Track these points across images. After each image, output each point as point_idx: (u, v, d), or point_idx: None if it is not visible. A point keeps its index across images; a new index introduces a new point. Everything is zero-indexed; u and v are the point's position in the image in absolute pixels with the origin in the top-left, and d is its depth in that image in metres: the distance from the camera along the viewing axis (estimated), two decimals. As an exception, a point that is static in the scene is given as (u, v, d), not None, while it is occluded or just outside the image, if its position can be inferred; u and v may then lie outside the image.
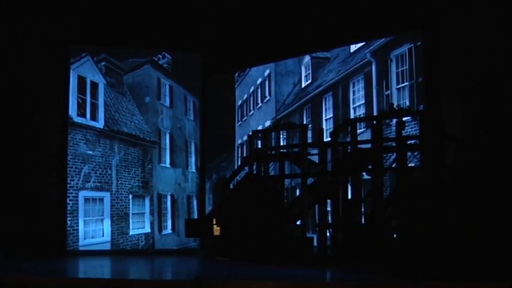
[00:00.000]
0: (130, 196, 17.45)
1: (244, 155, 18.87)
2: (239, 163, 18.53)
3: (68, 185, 16.56)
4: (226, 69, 18.74)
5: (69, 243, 16.43)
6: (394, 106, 15.20)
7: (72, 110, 16.84)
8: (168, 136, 18.37)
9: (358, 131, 14.42)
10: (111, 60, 17.60)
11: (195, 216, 18.06)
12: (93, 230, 16.86)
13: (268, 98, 19.18)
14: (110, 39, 17.02)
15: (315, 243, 14.55)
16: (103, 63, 17.49)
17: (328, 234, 13.89)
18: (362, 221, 13.49)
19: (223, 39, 17.31)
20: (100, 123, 17.24)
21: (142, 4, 16.62)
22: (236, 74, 19.98)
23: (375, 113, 15.55)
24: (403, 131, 13.11)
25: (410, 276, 9.82)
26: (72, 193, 16.58)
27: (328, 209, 14.14)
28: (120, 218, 17.19)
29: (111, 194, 17.15)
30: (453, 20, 13.92)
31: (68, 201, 16.49)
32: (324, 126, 16.90)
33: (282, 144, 16.34)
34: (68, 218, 16.45)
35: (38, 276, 10.79)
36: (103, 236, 16.97)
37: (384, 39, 15.75)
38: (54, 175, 16.72)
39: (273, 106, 18.88)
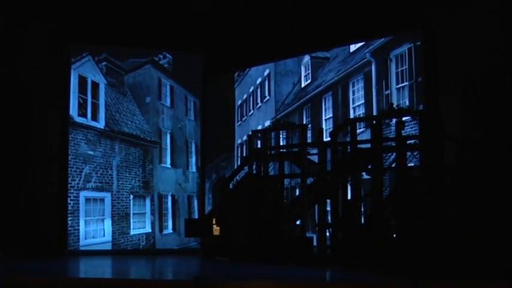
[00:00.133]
0: (131, 196, 17.46)
1: (244, 154, 18.87)
2: (239, 163, 18.53)
3: (69, 185, 16.57)
4: (226, 69, 18.74)
5: (70, 243, 16.43)
6: (394, 106, 15.19)
7: (73, 110, 16.85)
8: (168, 136, 18.37)
9: (358, 131, 14.43)
10: (111, 60, 17.60)
11: (196, 216, 18.04)
12: (94, 230, 16.87)
13: (267, 97, 19.19)
14: (110, 39, 17.02)
15: (315, 243, 14.53)
16: (104, 63, 17.49)
17: (327, 234, 13.89)
18: (361, 220, 13.48)
19: (223, 39, 17.30)
20: (101, 124, 17.25)
21: (142, 4, 16.61)
22: (236, 74, 19.98)
23: (374, 113, 15.55)
24: (402, 131, 13.11)
25: (410, 276, 9.81)
26: (73, 193, 16.58)
27: (328, 208, 14.14)
28: (121, 218, 17.20)
29: (111, 194, 17.16)
30: (453, 20, 13.93)
31: (69, 201, 16.49)
32: (323, 126, 16.90)
33: (281, 144, 16.34)
34: (69, 218, 16.46)
35: (38, 276, 10.79)
36: (104, 235, 16.98)
37: (383, 39, 15.76)
38: (54, 175, 16.72)
39: (273, 106, 18.89)
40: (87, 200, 16.80)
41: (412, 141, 13.41)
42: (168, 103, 18.48)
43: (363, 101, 16.24)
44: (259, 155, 15.58)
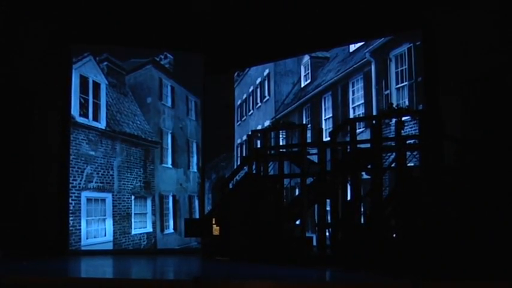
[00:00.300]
0: (133, 197, 17.46)
1: (244, 154, 18.88)
2: (238, 163, 18.53)
3: (70, 185, 16.55)
4: (225, 68, 18.73)
5: (72, 243, 16.43)
6: (394, 106, 15.19)
7: (75, 110, 16.84)
8: (169, 136, 18.37)
9: (358, 131, 14.44)
10: (113, 60, 17.59)
11: (197, 216, 18.03)
12: (95, 229, 16.86)
13: (267, 97, 19.19)
14: (110, 38, 17.00)
15: (314, 243, 14.52)
16: (105, 63, 17.48)
17: (327, 233, 13.89)
18: (361, 220, 13.48)
19: (223, 38, 17.30)
20: (102, 124, 17.24)
21: (142, 4, 16.59)
22: (235, 74, 19.99)
23: (374, 113, 15.55)
24: (402, 131, 13.11)
25: (410, 276, 9.82)
26: (74, 193, 16.57)
27: (328, 208, 14.14)
28: (122, 218, 17.20)
29: (113, 195, 17.16)
30: (453, 20, 13.93)
31: (71, 201, 16.48)
32: (323, 126, 16.91)
33: (281, 143, 16.34)
34: (71, 218, 16.45)
35: (38, 276, 10.78)
36: (105, 235, 16.98)
37: (383, 38, 15.76)
38: (54, 175, 16.72)
39: (272, 106, 18.89)
40: (89, 200, 16.80)
41: (411, 141, 13.41)
42: (169, 103, 18.48)
43: (362, 101, 16.25)
44: (259, 155, 15.58)
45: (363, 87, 16.28)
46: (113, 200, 17.14)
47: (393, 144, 13.18)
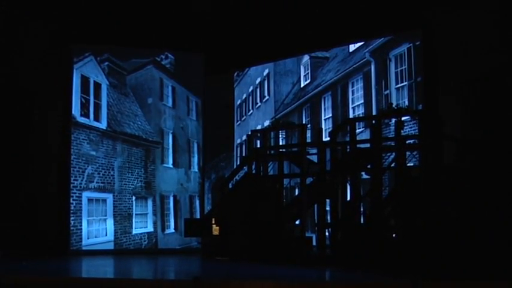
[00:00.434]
0: (134, 198, 17.47)
1: (243, 154, 18.88)
2: (238, 163, 18.54)
3: (72, 185, 16.55)
4: (225, 68, 18.73)
5: (73, 243, 16.43)
6: (393, 106, 15.21)
7: (76, 110, 16.84)
8: (170, 136, 18.37)
9: (357, 131, 14.44)
10: (114, 61, 17.58)
11: (198, 216, 18.02)
12: (96, 229, 16.87)
13: (267, 97, 19.19)
14: (111, 38, 16.99)
15: (314, 243, 14.53)
16: (106, 63, 17.48)
17: (327, 233, 13.90)
18: (361, 220, 13.49)
19: (223, 38, 17.29)
20: (103, 124, 17.24)
21: (142, 4, 16.58)
22: (235, 74, 19.99)
23: (374, 113, 15.56)
24: (402, 131, 13.11)
25: (410, 276, 9.82)
26: (75, 193, 16.57)
27: (327, 208, 14.15)
28: (123, 218, 17.21)
29: (113, 195, 17.16)
30: (453, 20, 13.94)
31: (72, 201, 16.48)
32: (323, 126, 16.92)
33: (281, 143, 16.35)
34: (72, 218, 16.45)
35: (39, 276, 10.78)
36: (106, 235, 16.98)
37: (382, 38, 15.77)
38: (54, 175, 16.72)
39: (272, 106, 18.90)
40: (90, 200, 16.80)
41: (411, 141, 13.42)
42: (170, 103, 18.48)
43: (362, 101, 16.25)
44: (259, 155, 15.58)
45: (363, 87, 16.29)
46: (113, 201, 17.15)
47: (393, 144, 13.19)
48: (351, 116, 16.46)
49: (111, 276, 12.20)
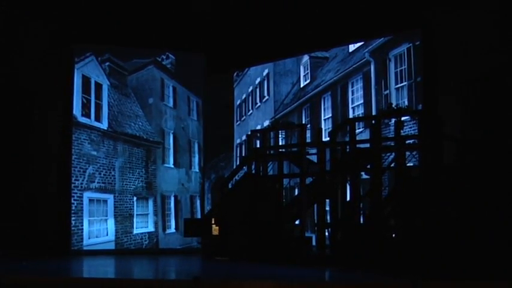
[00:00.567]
0: (135, 198, 17.47)
1: (243, 154, 18.88)
2: (238, 163, 18.55)
3: (73, 185, 16.54)
4: (225, 68, 18.73)
5: (74, 243, 16.43)
6: (393, 106, 15.22)
7: (77, 110, 16.82)
8: (171, 136, 18.37)
9: (357, 131, 14.43)
10: (115, 61, 17.58)
11: (199, 216, 18.02)
12: (97, 229, 16.86)
13: (267, 97, 19.20)
14: (112, 39, 16.98)
15: (314, 243, 14.53)
16: (107, 63, 17.47)
17: (326, 233, 13.90)
18: (361, 220, 13.49)
19: (223, 38, 17.29)
20: (104, 124, 17.24)
21: (142, 4, 16.58)
22: (235, 74, 19.99)
23: (373, 113, 15.56)
24: (401, 131, 13.12)
25: (410, 276, 9.83)
26: (76, 193, 16.57)
27: (327, 208, 14.14)
28: (124, 218, 17.21)
29: (114, 196, 17.16)
30: (453, 20, 13.94)
31: (73, 201, 16.48)
32: (322, 126, 16.93)
33: (280, 143, 16.34)
34: (73, 218, 16.44)
35: (38, 276, 10.78)
36: (107, 235, 16.98)
37: (382, 38, 15.77)
38: (54, 175, 16.71)
39: (272, 106, 18.90)
40: (91, 200, 16.80)
41: (411, 141, 13.42)
42: (171, 104, 18.48)
43: (362, 101, 16.26)
44: (258, 155, 15.58)
45: (362, 87, 16.29)
46: (114, 201, 17.15)
47: (392, 144, 13.20)
48: (351, 116, 16.47)
49: (111, 276, 12.20)
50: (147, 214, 17.62)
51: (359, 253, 12.37)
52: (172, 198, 18.16)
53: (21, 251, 15.19)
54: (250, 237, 14.61)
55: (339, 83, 17.01)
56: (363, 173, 13.96)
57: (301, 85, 18.22)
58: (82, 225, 16.55)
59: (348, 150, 13.83)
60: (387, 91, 15.57)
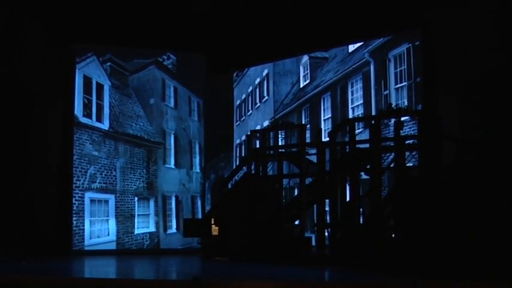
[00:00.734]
0: (136, 199, 17.48)
1: (243, 154, 18.88)
2: (237, 163, 18.55)
3: (74, 185, 16.54)
4: (225, 69, 18.74)
5: (75, 243, 16.43)
6: (393, 106, 15.22)
7: (78, 110, 16.83)
8: (172, 137, 18.38)
9: (357, 131, 14.43)
10: (116, 61, 17.59)
11: (200, 216, 18.03)
12: (98, 229, 16.88)
13: (266, 97, 19.20)
14: (112, 39, 16.98)
15: (313, 243, 14.53)
16: (108, 63, 17.48)
17: (326, 233, 13.90)
18: (360, 220, 13.49)
19: (223, 39, 17.29)
20: (105, 125, 17.25)
21: (142, 4, 16.58)
22: (234, 74, 20.00)
23: (373, 113, 15.57)
24: (401, 131, 13.12)
25: (410, 276, 9.82)
26: (78, 193, 16.57)
27: (327, 208, 14.14)
28: (125, 219, 17.22)
29: (115, 196, 17.17)
30: (453, 20, 13.94)
31: (74, 201, 16.48)
32: (322, 126, 16.93)
33: (280, 144, 16.34)
34: (74, 218, 16.45)
35: (38, 276, 10.78)
36: (108, 235, 16.99)
37: (382, 39, 15.77)
38: (54, 175, 16.70)
39: (271, 106, 18.90)
40: (92, 201, 16.80)
41: (410, 141, 13.43)
42: (172, 104, 18.49)
43: (361, 101, 16.26)
44: (258, 155, 15.58)
45: (362, 88, 16.30)
46: (115, 202, 17.16)
47: (392, 144, 13.20)
48: (350, 116, 16.47)
49: (112, 276, 12.19)
50: (148, 214, 17.63)
51: (359, 253, 12.37)
52: (174, 199, 18.18)
53: (21, 251, 15.20)
54: (249, 237, 14.61)
55: (339, 83, 17.02)
56: (362, 173, 13.96)
57: (301, 85, 18.23)
58: (83, 226, 16.56)
59: (347, 150, 13.84)
60: (387, 91, 15.58)
